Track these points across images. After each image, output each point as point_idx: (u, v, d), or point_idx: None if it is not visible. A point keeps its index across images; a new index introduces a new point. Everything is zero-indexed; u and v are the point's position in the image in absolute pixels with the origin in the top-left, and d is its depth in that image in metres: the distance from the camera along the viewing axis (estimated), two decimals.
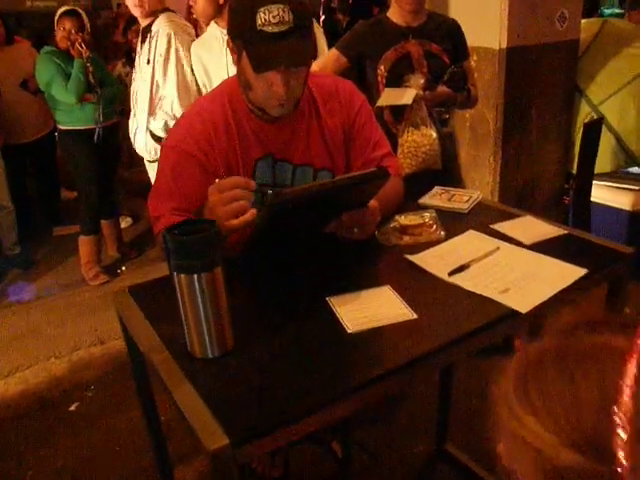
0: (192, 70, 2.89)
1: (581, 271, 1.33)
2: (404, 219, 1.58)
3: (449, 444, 2.30)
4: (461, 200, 1.75)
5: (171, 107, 2.92)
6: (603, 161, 3.36)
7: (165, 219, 1.42)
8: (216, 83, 1.73)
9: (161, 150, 1.59)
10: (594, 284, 1.38)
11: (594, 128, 2.75)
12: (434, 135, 2.30)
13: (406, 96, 2.20)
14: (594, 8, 6.66)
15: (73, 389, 2.91)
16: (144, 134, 3.03)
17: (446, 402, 2.23)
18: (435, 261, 1.41)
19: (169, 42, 2.88)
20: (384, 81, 2.34)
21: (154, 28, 2.94)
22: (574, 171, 3.74)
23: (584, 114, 3.56)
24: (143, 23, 3.03)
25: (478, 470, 2.16)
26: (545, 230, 1.56)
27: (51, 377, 3.02)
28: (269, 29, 1.31)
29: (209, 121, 1.48)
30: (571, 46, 3.44)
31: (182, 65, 2.90)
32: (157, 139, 3.00)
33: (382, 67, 2.33)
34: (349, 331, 1.15)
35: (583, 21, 3.54)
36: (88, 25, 3.76)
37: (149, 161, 3.10)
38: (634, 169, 3.49)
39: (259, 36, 1.32)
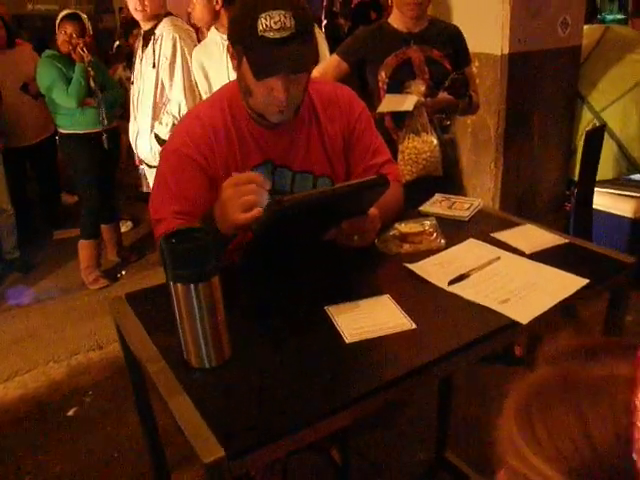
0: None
1: (582, 281, 1.32)
2: (404, 227, 1.57)
3: (449, 452, 2.28)
4: (462, 208, 1.74)
5: (178, 110, 2.92)
6: (605, 168, 3.35)
7: (166, 222, 1.42)
8: (216, 89, 1.72)
9: (161, 154, 1.58)
10: (595, 294, 1.37)
11: (596, 136, 2.74)
12: (435, 142, 2.29)
13: (407, 102, 2.20)
14: (594, 14, 6.66)
15: (72, 394, 2.90)
16: (147, 138, 3.03)
17: (446, 409, 2.22)
18: (435, 270, 1.40)
19: (175, 45, 2.89)
20: (385, 87, 2.34)
21: (158, 32, 2.94)
22: (575, 178, 3.73)
23: (586, 121, 3.56)
24: (145, 27, 3.03)
25: (477, 478, 2.14)
26: (546, 239, 1.55)
27: (50, 382, 3.02)
28: (270, 35, 1.30)
29: (209, 126, 1.48)
30: (573, 52, 3.44)
31: (188, 68, 2.90)
32: (163, 143, 2.99)
33: (383, 73, 2.33)
34: (347, 341, 1.14)
35: (585, 27, 3.54)
36: (90, 29, 3.76)
37: (151, 166, 3.09)
38: (636, 176, 3.48)
39: (260, 42, 1.31)
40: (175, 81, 2.91)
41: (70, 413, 2.76)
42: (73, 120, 3.75)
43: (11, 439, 2.62)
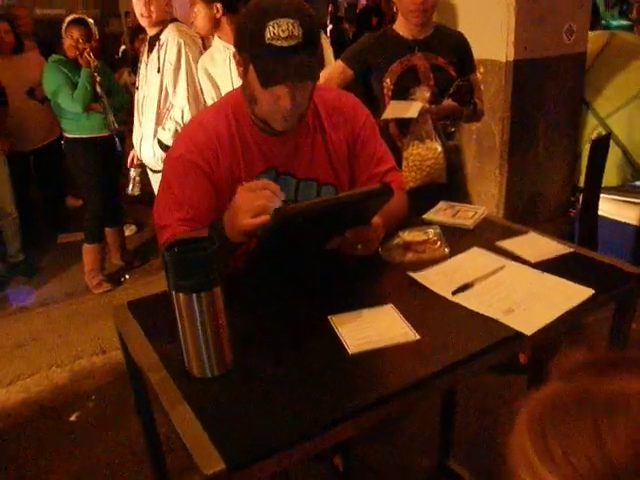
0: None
1: (588, 292, 1.31)
2: (408, 235, 1.56)
3: (451, 460, 2.27)
4: (466, 216, 1.73)
5: (181, 116, 2.92)
6: (610, 175, 3.33)
7: (171, 229, 1.42)
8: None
9: (165, 160, 1.58)
10: (601, 305, 1.36)
11: (602, 144, 2.73)
12: (439, 149, 2.28)
13: (412, 109, 2.19)
14: (596, 20, 6.64)
15: (74, 399, 2.90)
16: (151, 143, 3.03)
17: (448, 418, 2.21)
18: (438, 279, 1.39)
19: (179, 51, 2.89)
20: (390, 94, 2.33)
21: (163, 37, 2.95)
22: (580, 184, 3.72)
23: (591, 127, 3.55)
24: (151, 32, 3.04)
25: None
26: (551, 248, 1.54)
27: (53, 386, 3.02)
28: (278, 43, 1.29)
29: (213, 133, 1.47)
30: (578, 59, 3.43)
31: (192, 74, 2.90)
32: (165, 148, 2.99)
33: (388, 80, 2.32)
34: (350, 352, 1.13)
35: (590, 34, 3.53)
36: (96, 34, 3.77)
37: (154, 171, 3.09)
38: None
39: (267, 50, 1.30)
40: (178, 87, 2.92)
41: (72, 418, 2.76)
42: (78, 124, 3.76)
43: (13, 444, 2.61)
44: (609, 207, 3.26)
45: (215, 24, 2.78)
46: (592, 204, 2.75)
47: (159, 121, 3.00)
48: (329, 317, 1.24)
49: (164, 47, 2.93)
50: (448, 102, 2.30)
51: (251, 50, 1.34)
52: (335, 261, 1.45)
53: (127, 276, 4.17)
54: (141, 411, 1.46)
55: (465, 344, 1.15)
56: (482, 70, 3.08)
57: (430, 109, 2.25)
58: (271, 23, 1.29)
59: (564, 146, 3.57)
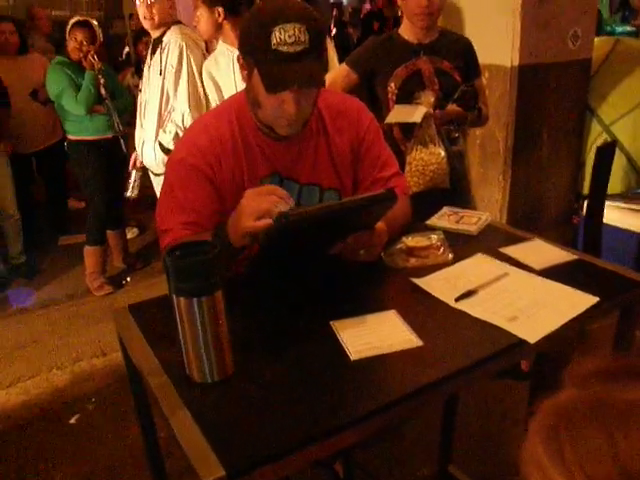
0: (202, 83, 2.89)
1: (592, 299, 1.30)
2: (411, 240, 1.55)
3: (452, 466, 2.25)
4: (470, 222, 1.72)
5: (182, 119, 2.91)
6: (613, 181, 3.31)
7: (173, 233, 1.41)
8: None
9: (168, 164, 1.57)
10: (605, 312, 1.35)
11: (607, 151, 2.71)
12: (442, 154, 2.27)
13: (416, 114, 2.18)
14: (599, 26, 6.62)
15: (74, 401, 2.89)
16: (152, 146, 3.03)
17: (450, 423, 2.19)
18: (442, 285, 1.38)
19: (181, 54, 2.88)
20: (394, 98, 2.32)
21: (165, 39, 2.95)
22: (584, 191, 3.70)
23: (595, 134, 3.53)
24: (154, 35, 3.04)
25: None
26: (555, 255, 1.53)
27: (53, 388, 3.01)
28: (284, 49, 1.28)
29: (216, 137, 1.46)
30: (583, 65, 3.41)
31: (194, 77, 2.90)
32: (166, 151, 2.99)
33: (392, 84, 2.31)
34: (352, 358, 1.12)
35: (595, 40, 3.51)
36: (100, 36, 3.77)
37: (156, 174, 3.09)
38: None
39: (273, 55, 1.29)
40: (179, 90, 2.91)
41: (72, 420, 2.75)
42: (82, 126, 3.75)
43: (13, 446, 2.60)
44: (613, 214, 3.24)
45: (217, 28, 2.77)
46: (597, 211, 2.73)
47: (160, 124, 3.00)
48: (331, 322, 1.23)
49: (166, 49, 2.93)
50: (452, 107, 2.29)
51: (256, 55, 1.33)
52: (337, 266, 1.44)
53: (128, 279, 4.16)
54: (141, 415, 1.45)
55: (468, 351, 1.14)
56: (487, 75, 3.07)
57: (434, 114, 2.24)
58: (277, 28, 1.27)
59: (568, 152, 3.56)
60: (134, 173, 3.37)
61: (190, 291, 1.00)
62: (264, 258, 1.33)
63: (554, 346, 1.28)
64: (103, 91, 3.65)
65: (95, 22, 3.79)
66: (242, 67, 1.42)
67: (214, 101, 2.79)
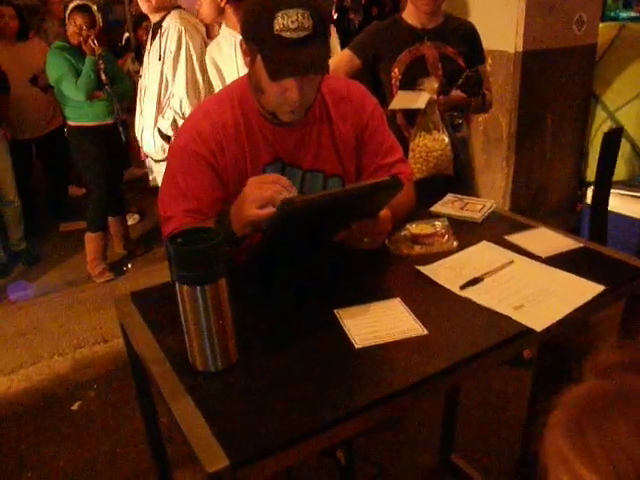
0: (201, 68, 2.86)
1: (598, 288, 1.28)
2: (415, 228, 1.54)
3: (454, 454, 2.25)
4: (474, 209, 1.71)
5: (180, 105, 2.89)
6: (617, 169, 3.28)
7: (176, 220, 1.39)
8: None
9: (169, 151, 1.55)
10: (611, 301, 1.33)
11: (614, 138, 2.68)
12: (446, 140, 2.25)
13: (420, 100, 2.15)
14: (602, 12, 6.56)
15: (76, 388, 2.89)
16: (152, 132, 3.00)
17: (452, 412, 2.19)
18: (447, 273, 1.37)
19: (180, 39, 2.85)
20: (398, 84, 2.30)
21: (165, 24, 2.91)
22: (587, 178, 3.68)
23: (600, 120, 3.51)
24: (153, 19, 3.00)
25: None
26: (561, 243, 1.52)
27: (54, 375, 3.01)
28: (287, 35, 1.26)
29: (218, 123, 1.44)
30: (588, 51, 3.38)
31: (192, 63, 2.87)
32: (165, 137, 2.96)
33: (396, 69, 2.28)
34: (357, 346, 1.11)
35: (600, 25, 3.48)
36: (100, 21, 3.73)
37: (156, 160, 3.07)
38: None
39: (276, 41, 1.26)
40: (178, 76, 2.87)
41: (74, 407, 2.75)
42: (81, 112, 3.72)
43: (14, 432, 2.61)
44: (616, 201, 3.22)
45: (220, 12, 2.74)
46: (602, 198, 2.71)
47: (160, 110, 2.97)
48: (335, 310, 1.22)
49: (165, 34, 2.89)
50: (456, 93, 2.27)
51: (259, 41, 1.31)
52: (341, 254, 1.43)
53: (130, 265, 4.14)
54: (142, 401, 1.44)
55: (475, 340, 1.12)
56: (490, 61, 3.03)
57: (438, 100, 2.21)
58: (280, 13, 1.25)
59: (572, 139, 3.54)
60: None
61: (193, 279, 0.99)
62: (267, 246, 1.32)
63: (558, 335, 1.27)
64: (103, 77, 3.61)
65: (94, 7, 3.75)
66: (244, 53, 1.39)
67: (217, 87, 2.76)
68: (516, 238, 1.54)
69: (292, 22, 1.25)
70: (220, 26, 2.78)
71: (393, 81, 2.30)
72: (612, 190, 3.13)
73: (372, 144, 1.59)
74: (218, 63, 2.68)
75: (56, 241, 4.64)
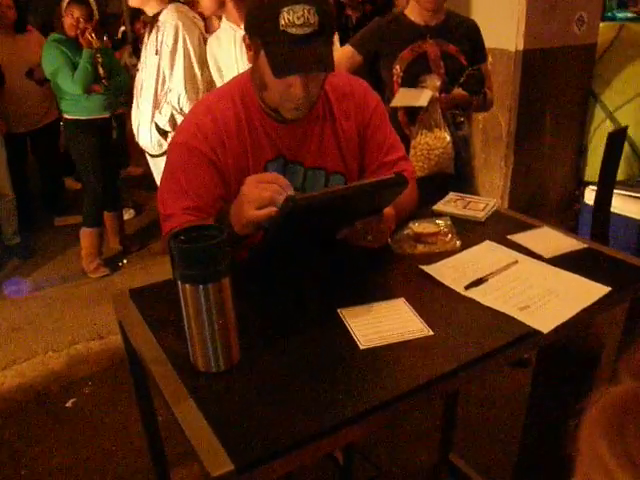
0: (200, 63, 2.83)
1: (604, 289, 1.27)
2: (418, 226, 1.52)
3: (452, 454, 2.24)
4: (477, 208, 1.69)
5: (178, 100, 2.85)
6: None
7: (176, 218, 1.37)
8: (228, 79, 1.66)
9: (169, 147, 1.52)
10: (617, 303, 1.32)
11: (618, 138, 2.67)
12: (448, 138, 2.24)
13: (422, 98, 2.14)
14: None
15: (70, 384, 2.86)
16: (148, 127, 2.97)
17: (451, 412, 2.18)
18: (451, 273, 1.35)
19: (176, 33, 2.81)
20: (399, 81, 2.28)
21: (161, 18, 2.87)
22: (585, 178, 3.68)
23: (599, 120, 3.50)
24: (149, 12, 2.96)
25: None
26: (564, 243, 1.50)
27: (48, 371, 2.98)
28: (293, 31, 1.23)
29: (220, 119, 1.42)
30: (588, 50, 3.38)
31: (189, 58, 2.83)
32: (162, 133, 2.93)
33: (398, 67, 2.27)
34: (361, 347, 1.09)
35: (600, 25, 3.47)
36: (97, 13, 3.69)
37: (152, 155, 3.03)
38: None
39: (281, 38, 1.24)
40: (175, 71, 2.84)
41: (69, 404, 2.72)
42: (78, 106, 3.68)
43: (8, 429, 2.58)
44: (615, 202, 3.21)
45: (220, 5, 2.70)
46: (606, 198, 2.70)
47: (157, 104, 2.93)
48: (339, 310, 1.20)
49: (162, 29, 2.85)
50: (458, 91, 2.25)
51: (263, 36, 1.28)
52: (344, 252, 1.41)
53: (125, 261, 4.11)
54: (141, 399, 1.42)
55: (481, 341, 1.11)
56: (490, 59, 3.02)
57: (440, 98, 2.20)
58: (286, 9, 1.22)
59: (570, 138, 3.53)
60: None
61: (196, 278, 0.97)
62: (269, 244, 1.30)
63: (563, 336, 1.25)
64: (101, 70, 3.58)
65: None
66: (248, 47, 1.37)
67: (218, 81, 2.73)
68: (519, 238, 1.52)
69: (298, 18, 1.23)
70: (220, 19, 2.75)
71: (394, 78, 2.29)
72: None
73: (375, 141, 1.57)
74: (217, 57, 2.65)
75: (51, 235, 4.60)
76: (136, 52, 4.60)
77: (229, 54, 2.60)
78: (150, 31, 2.98)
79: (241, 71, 1.58)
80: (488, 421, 2.48)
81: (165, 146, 2.89)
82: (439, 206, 1.73)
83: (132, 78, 3.48)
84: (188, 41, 2.82)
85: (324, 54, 1.29)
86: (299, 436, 0.89)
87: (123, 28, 6.23)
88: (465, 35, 2.33)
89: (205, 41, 2.83)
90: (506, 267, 1.37)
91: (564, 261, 1.40)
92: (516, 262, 1.39)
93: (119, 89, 3.80)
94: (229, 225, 1.26)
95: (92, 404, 2.72)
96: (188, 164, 1.40)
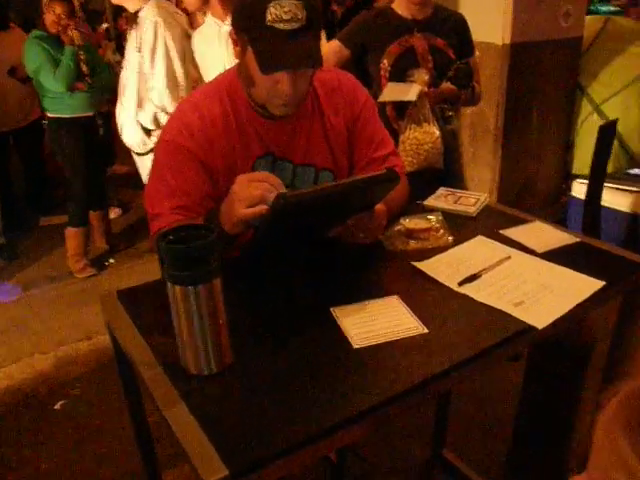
0: (181, 60, 2.78)
1: (598, 283, 1.26)
2: (409, 222, 1.51)
3: (445, 450, 2.24)
4: (468, 203, 1.68)
5: (160, 99, 2.81)
6: None
7: (164, 218, 1.34)
8: (213, 76, 1.63)
9: (157, 145, 1.50)
10: (611, 297, 1.31)
11: (609, 131, 2.67)
12: (437, 133, 2.22)
13: (411, 92, 2.12)
14: None
15: (59, 386, 2.83)
16: (132, 125, 2.92)
17: (443, 408, 2.17)
18: (444, 269, 1.34)
19: (155, 31, 2.75)
20: (387, 75, 2.26)
21: (141, 14, 2.81)
22: (573, 171, 3.68)
23: (586, 113, 3.51)
24: (131, 9, 2.91)
25: (474, 476, 2.10)
26: (557, 237, 1.50)
27: (36, 373, 2.94)
28: (280, 26, 1.21)
29: (207, 116, 1.39)
30: (574, 43, 3.38)
31: (170, 55, 2.77)
32: (146, 131, 2.90)
33: (385, 61, 2.25)
34: (355, 347, 1.07)
35: (586, 18, 3.47)
36: (79, 10, 3.63)
37: (137, 154, 2.99)
38: (635, 171, 3.43)
39: (269, 33, 1.22)
40: (156, 68, 2.79)
41: (57, 406, 2.69)
42: (62, 104, 3.63)
43: None
44: (604, 195, 3.22)
45: (204, 0, 2.67)
46: (597, 191, 2.70)
47: (139, 102, 2.89)
48: (331, 309, 1.18)
49: (141, 25, 2.80)
50: (447, 85, 2.24)
51: (250, 31, 1.26)
52: (335, 249, 1.39)
53: (112, 260, 4.07)
54: (130, 401, 1.39)
55: (476, 338, 1.09)
56: (478, 53, 3.01)
57: (428, 92, 2.18)
58: (273, 3, 1.20)
59: (558, 132, 3.54)
60: None
61: (186, 279, 0.94)
62: (260, 242, 1.28)
63: (559, 332, 1.24)
64: (84, 67, 3.53)
65: None
66: (235, 43, 1.34)
67: (204, 77, 2.70)
68: (511, 232, 1.51)
69: (285, 13, 1.21)
70: (205, 15, 2.72)
71: (382, 72, 2.27)
72: None
73: (364, 136, 1.55)
74: (202, 53, 2.62)
75: (36, 236, 4.55)
76: (120, 49, 4.55)
77: (214, 50, 2.57)
78: (132, 28, 2.93)
79: (227, 67, 1.56)
80: (481, 416, 2.47)
81: (149, 144, 2.85)
82: (430, 201, 1.71)
83: (117, 75, 3.43)
84: (168, 39, 2.77)
85: (312, 49, 1.27)
86: (294, 440, 0.87)
87: (105, 25, 6.16)
88: (453, 29, 2.32)
89: (189, 37, 2.79)
90: (499, 262, 1.35)
91: (557, 255, 1.39)
92: (509, 257, 1.38)
93: (103, 87, 3.75)
94: (219, 224, 1.24)
95: (81, 406, 2.69)
96: (175, 162, 1.38)
